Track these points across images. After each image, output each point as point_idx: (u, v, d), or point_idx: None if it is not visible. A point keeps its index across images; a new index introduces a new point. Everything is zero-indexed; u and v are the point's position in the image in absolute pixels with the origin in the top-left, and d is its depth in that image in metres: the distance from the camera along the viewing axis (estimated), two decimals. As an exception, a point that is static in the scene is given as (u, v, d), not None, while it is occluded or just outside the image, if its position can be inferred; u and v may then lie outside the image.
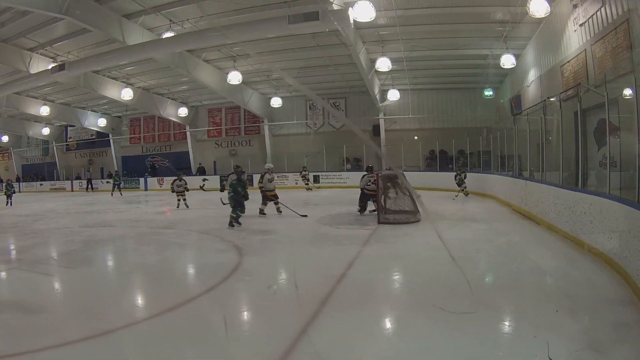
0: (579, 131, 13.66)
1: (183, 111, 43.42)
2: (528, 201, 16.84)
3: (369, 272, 10.25)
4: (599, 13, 16.28)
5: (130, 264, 12.28)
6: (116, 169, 48.05)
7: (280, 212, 19.79)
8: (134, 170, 47.71)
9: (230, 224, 16.64)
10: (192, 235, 16.26)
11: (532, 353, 5.71)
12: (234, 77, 30.63)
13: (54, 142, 53.47)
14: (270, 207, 20.11)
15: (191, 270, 11.76)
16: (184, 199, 25.46)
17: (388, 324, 7.26)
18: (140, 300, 9.02)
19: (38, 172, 54.46)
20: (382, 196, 17.85)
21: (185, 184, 25.97)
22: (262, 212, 19.92)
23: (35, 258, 12.48)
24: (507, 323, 7.03)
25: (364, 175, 19.79)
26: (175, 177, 26.71)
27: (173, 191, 26.26)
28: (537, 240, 13.05)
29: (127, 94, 35.50)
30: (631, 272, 8.01)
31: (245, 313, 8.09)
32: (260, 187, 19.66)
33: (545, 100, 16.71)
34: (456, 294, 8.20)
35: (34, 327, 6.99)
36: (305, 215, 18.64)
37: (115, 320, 7.16)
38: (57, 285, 10.08)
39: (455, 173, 26.91)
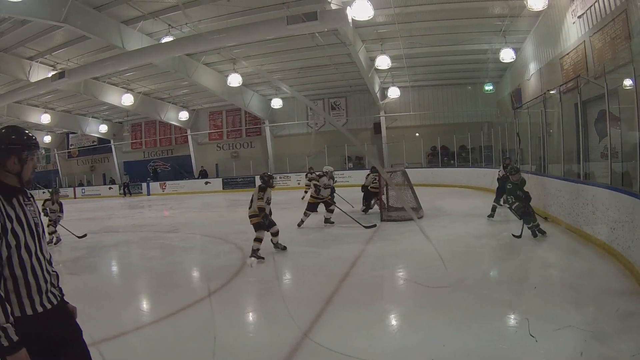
0: (579, 123, 13.64)
1: (184, 115, 43.34)
2: (531, 194, 16.84)
3: (373, 269, 10.27)
4: (597, 4, 16.28)
5: (135, 268, 12.37)
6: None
7: (332, 222, 16.96)
8: (136, 176, 47.54)
9: (535, 233, 12.42)
10: (195, 238, 16.28)
11: (535, 346, 5.72)
12: (234, 80, 30.52)
13: (55, 150, 53.42)
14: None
15: (196, 273, 11.78)
16: (54, 232, 16.47)
17: (393, 321, 7.27)
18: (146, 305, 9.05)
19: (40, 181, 54.33)
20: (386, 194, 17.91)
21: (60, 210, 16.88)
22: (301, 221, 16.88)
23: (40, 266, 12.49)
24: (511, 317, 7.04)
25: (368, 174, 19.70)
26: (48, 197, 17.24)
27: (46, 215, 16.24)
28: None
29: (127, 100, 35.41)
30: (635, 262, 8.01)
31: (251, 314, 8.13)
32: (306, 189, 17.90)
33: (545, 93, 16.72)
34: (461, 288, 8.21)
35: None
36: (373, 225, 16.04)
37: (122, 325, 7.23)
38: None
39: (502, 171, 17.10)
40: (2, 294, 3.10)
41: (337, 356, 5.77)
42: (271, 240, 12.58)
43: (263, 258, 11.70)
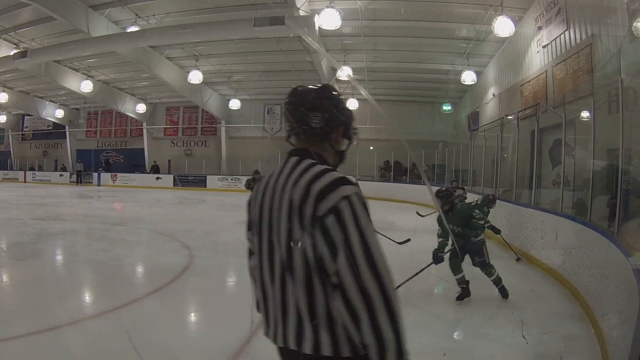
0: (534, 150, 13.84)
1: (141, 107, 42.82)
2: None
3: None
4: (562, 36, 16.59)
5: (81, 259, 12.16)
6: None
7: None
8: (88, 165, 46.78)
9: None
10: (143, 233, 16.16)
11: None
12: (195, 77, 30.38)
13: (9, 131, 52.37)
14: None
15: (141, 269, 11.68)
16: None
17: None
18: (88, 297, 8.93)
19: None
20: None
21: None
22: None
23: (-17, 248, 12.35)
24: (456, 334, 7.13)
25: None
26: None
27: None
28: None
29: (86, 86, 34.74)
30: (580, 288, 8.17)
31: (193, 314, 8.10)
32: None
33: (503, 118, 16.95)
34: (406, 302, 8.27)
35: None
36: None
37: (63, 316, 7.11)
38: (5, 278, 9.91)
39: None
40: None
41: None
42: None
43: None
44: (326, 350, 2.26)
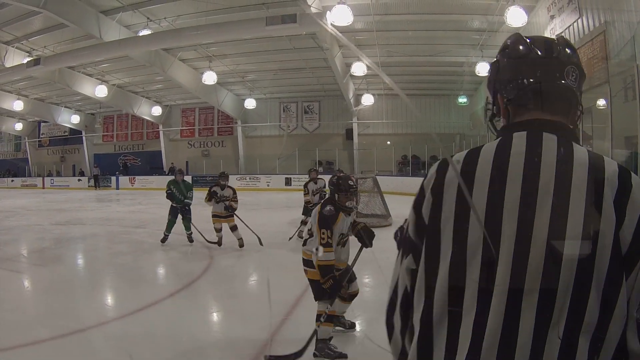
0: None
1: (157, 110, 42.80)
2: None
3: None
4: (576, 24, 16.42)
5: (102, 262, 12.25)
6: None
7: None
8: (106, 169, 46.90)
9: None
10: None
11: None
12: (209, 77, 30.39)
13: (26, 138, 52.53)
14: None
15: (162, 270, 11.73)
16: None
17: (358, 326, 7.26)
18: (110, 300, 8.98)
19: (10, 168, 53.55)
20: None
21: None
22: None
23: (6, 255, 12.37)
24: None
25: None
26: None
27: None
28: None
29: (101, 91, 34.76)
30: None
31: (215, 314, 8.08)
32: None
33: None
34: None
35: (4, 325, 6.95)
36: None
37: (86, 319, 7.14)
38: (27, 283, 9.98)
39: None
40: None
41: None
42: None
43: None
44: None
